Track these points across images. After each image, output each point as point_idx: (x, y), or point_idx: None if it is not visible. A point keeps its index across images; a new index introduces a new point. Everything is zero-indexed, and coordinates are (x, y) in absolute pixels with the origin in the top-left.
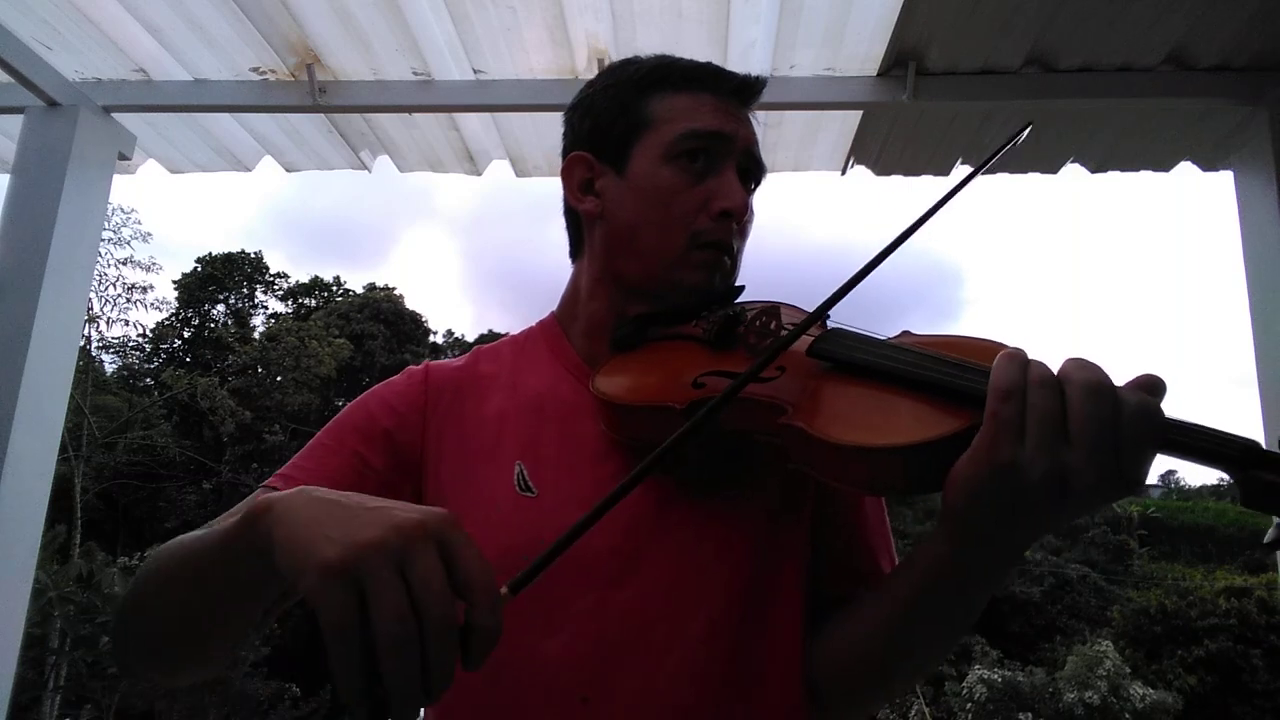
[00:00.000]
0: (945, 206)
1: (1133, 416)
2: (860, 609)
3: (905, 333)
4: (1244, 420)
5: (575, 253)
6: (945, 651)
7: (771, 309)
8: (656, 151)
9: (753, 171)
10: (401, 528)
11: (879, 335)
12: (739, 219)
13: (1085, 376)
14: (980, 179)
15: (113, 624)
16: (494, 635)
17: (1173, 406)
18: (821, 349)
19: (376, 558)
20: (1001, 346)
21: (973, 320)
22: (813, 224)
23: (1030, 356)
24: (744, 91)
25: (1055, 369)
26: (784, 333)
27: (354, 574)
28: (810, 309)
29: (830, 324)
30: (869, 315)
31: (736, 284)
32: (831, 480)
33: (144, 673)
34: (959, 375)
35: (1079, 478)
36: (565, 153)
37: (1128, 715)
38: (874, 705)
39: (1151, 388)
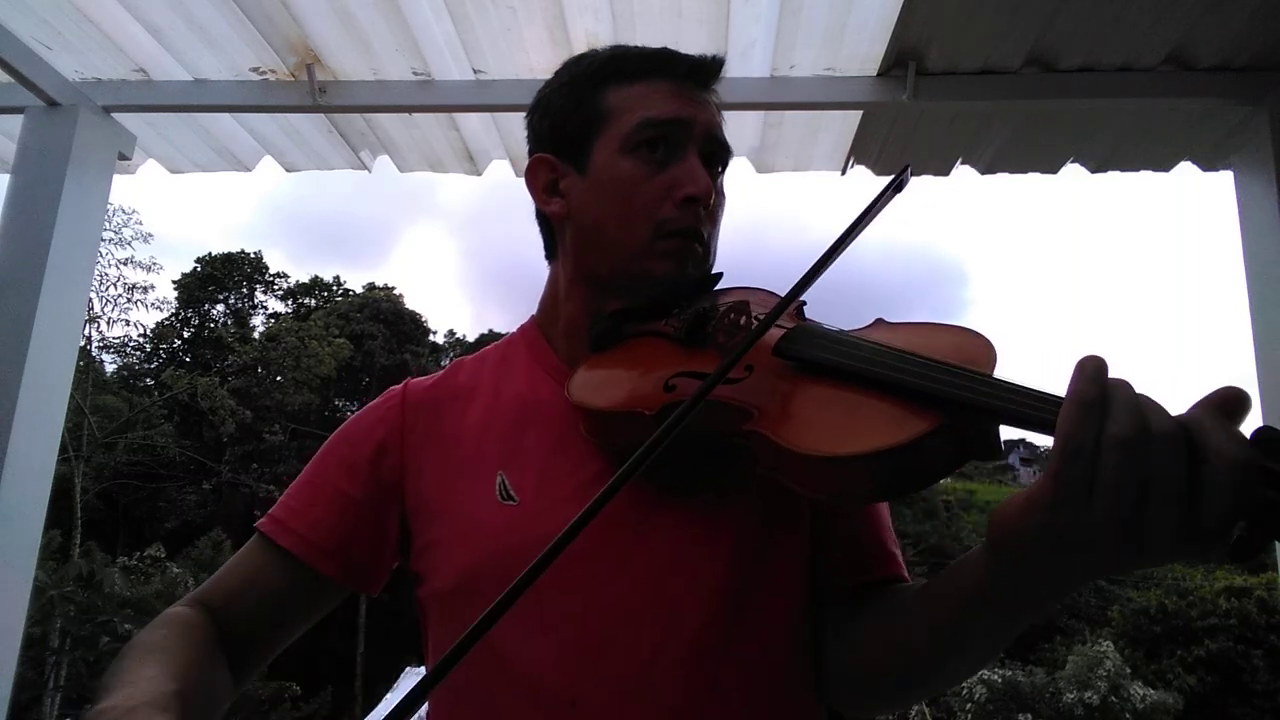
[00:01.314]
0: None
1: (1228, 476)
2: (891, 619)
3: (879, 320)
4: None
5: (550, 255)
6: (979, 667)
7: (740, 304)
8: (614, 145)
9: (717, 154)
10: None
11: (843, 330)
12: (705, 204)
13: (1165, 429)
14: (980, 179)
15: None
16: None
17: (1173, 406)
18: (786, 348)
19: None
20: (972, 335)
21: (976, 320)
22: (816, 220)
23: (1107, 387)
24: (699, 73)
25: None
26: (756, 324)
27: None
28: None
29: (808, 317)
30: (874, 313)
31: (714, 271)
32: (801, 489)
33: None
34: (925, 374)
35: (1157, 542)
36: (530, 155)
37: (1128, 715)
38: (893, 708)
39: (1237, 404)
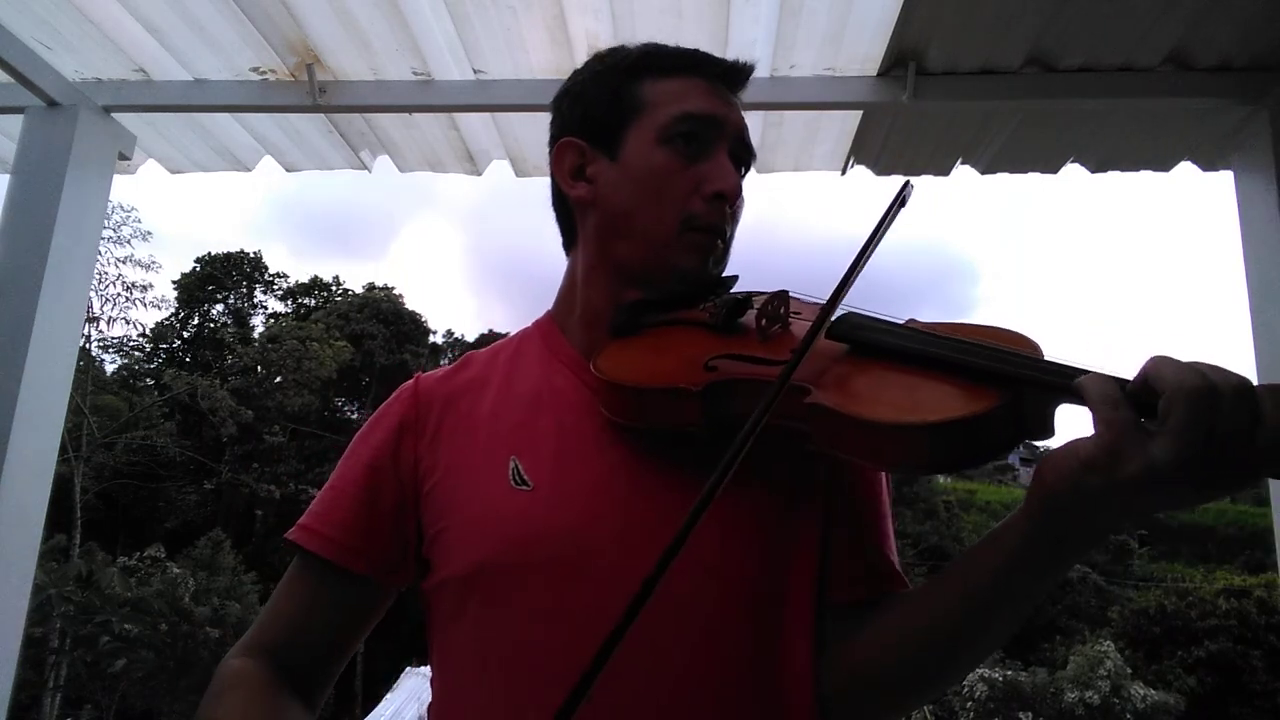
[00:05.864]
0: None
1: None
2: (904, 614)
3: (912, 320)
4: None
5: (569, 244)
6: (992, 649)
7: (780, 294)
8: (649, 134)
9: (742, 156)
10: None
11: (893, 319)
12: (731, 202)
13: (1230, 380)
14: (983, 180)
15: None
16: None
17: None
18: (842, 331)
19: None
20: (1012, 331)
21: (987, 319)
22: (816, 219)
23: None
24: (733, 75)
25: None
26: (792, 318)
27: None
28: (811, 298)
29: (841, 310)
30: (882, 309)
31: (729, 274)
32: (858, 457)
33: None
34: (980, 355)
35: (1220, 479)
36: (554, 140)
37: (1129, 715)
38: (896, 713)
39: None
